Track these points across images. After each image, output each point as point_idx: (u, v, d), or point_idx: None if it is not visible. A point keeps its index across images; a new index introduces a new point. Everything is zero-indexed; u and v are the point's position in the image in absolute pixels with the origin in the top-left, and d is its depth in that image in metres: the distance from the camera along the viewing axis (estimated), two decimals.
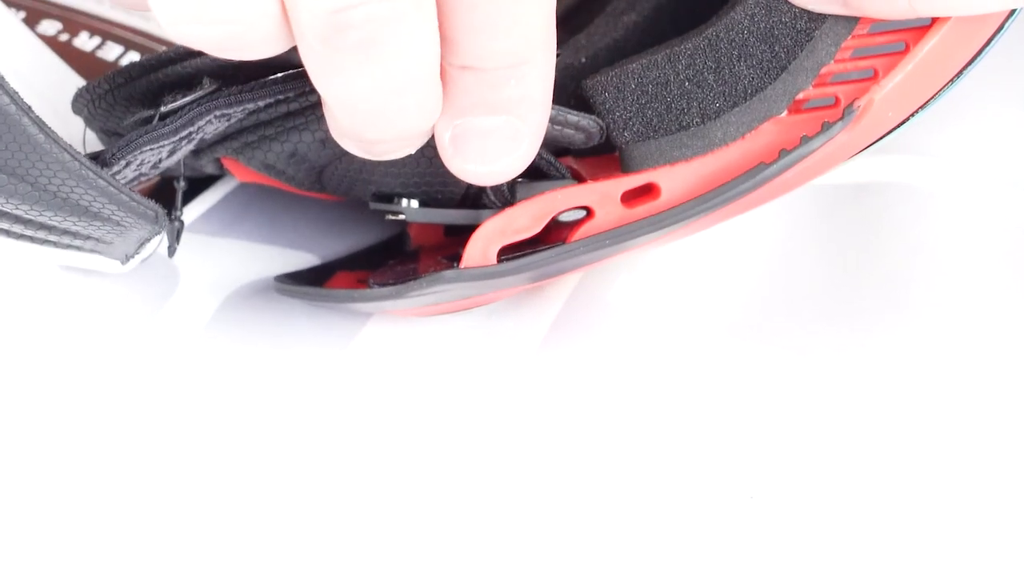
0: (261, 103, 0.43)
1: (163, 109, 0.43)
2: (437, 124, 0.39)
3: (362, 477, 0.44)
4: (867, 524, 0.43)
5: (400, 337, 0.47)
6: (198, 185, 0.51)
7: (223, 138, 0.45)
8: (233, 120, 0.44)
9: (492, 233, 0.42)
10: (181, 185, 0.45)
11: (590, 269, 0.48)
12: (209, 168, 0.47)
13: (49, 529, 0.42)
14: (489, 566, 0.42)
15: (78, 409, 0.45)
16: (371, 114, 0.38)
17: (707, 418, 0.45)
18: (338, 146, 0.41)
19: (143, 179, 0.44)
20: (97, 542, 0.42)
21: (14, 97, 0.39)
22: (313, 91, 0.40)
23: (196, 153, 0.45)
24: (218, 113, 0.42)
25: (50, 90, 0.52)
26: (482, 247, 0.42)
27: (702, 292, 0.48)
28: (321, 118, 0.43)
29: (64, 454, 0.44)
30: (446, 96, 0.38)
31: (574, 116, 0.42)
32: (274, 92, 0.42)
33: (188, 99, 0.42)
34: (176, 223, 0.45)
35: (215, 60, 0.42)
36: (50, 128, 0.40)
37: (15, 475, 0.43)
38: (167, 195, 0.45)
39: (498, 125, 0.39)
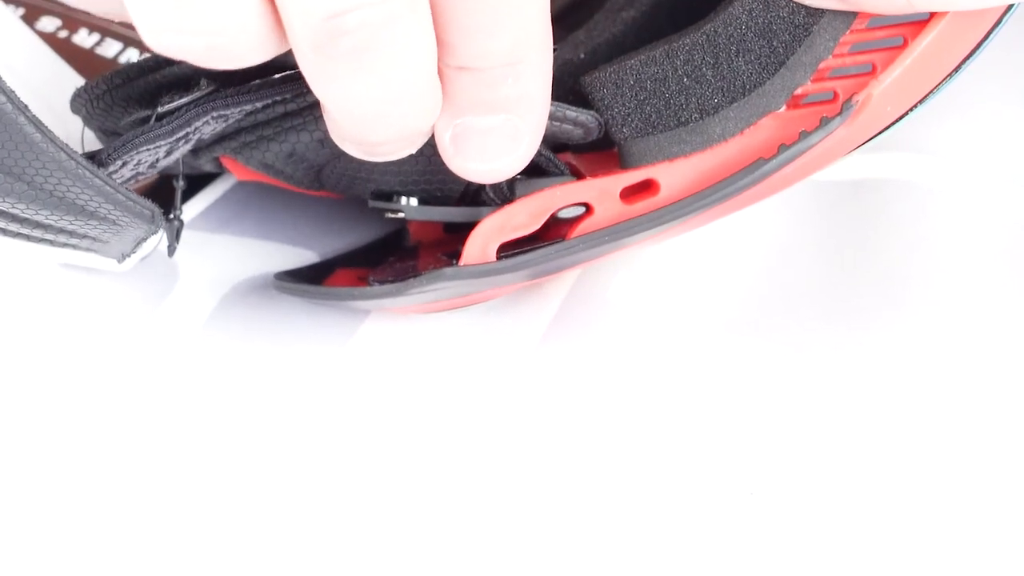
0: (259, 104, 0.43)
1: (160, 110, 0.43)
2: (437, 123, 0.39)
3: (362, 474, 0.44)
4: (866, 520, 0.43)
5: (399, 334, 0.47)
6: (197, 182, 0.51)
7: (221, 138, 0.45)
8: (231, 121, 0.43)
9: (491, 230, 0.42)
10: (180, 184, 0.45)
11: (589, 266, 0.47)
12: (208, 166, 0.47)
13: (47, 526, 0.42)
14: (489, 564, 0.42)
15: (76, 406, 0.45)
16: (370, 118, 0.38)
17: (706, 415, 0.45)
18: (336, 146, 0.41)
19: (140, 178, 0.44)
20: (95, 539, 0.42)
21: (10, 96, 0.39)
22: (311, 92, 0.40)
23: (195, 152, 0.45)
24: (215, 114, 0.42)
25: (48, 87, 0.52)
26: (481, 244, 0.42)
27: (700, 289, 0.48)
28: (319, 118, 0.43)
29: (62, 451, 0.44)
30: (445, 96, 0.38)
31: (572, 112, 0.42)
32: (271, 94, 0.42)
33: (185, 100, 0.42)
34: (176, 222, 0.45)
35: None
36: (47, 127, 0.39)
37: (13, 472, 0.43)
38: (166, 194, 0.45)
39: (497, 124, 0.39)
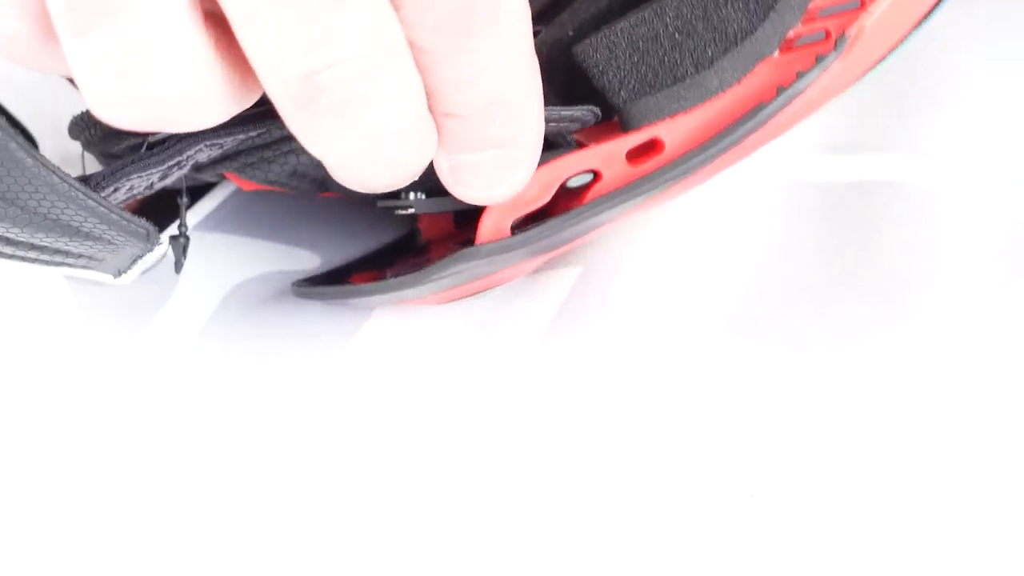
0: (252, 133, 0.42)
1: (151, 139, 0.42)
2: (434, 156, 0.39)
3: (364, 474, 0.44)
4: (867, 522, 0.43)
5: (401, 334, 0.47)
6: (199, 188, 0.51)
7: (222, 159, 0.45)
8: (226, 147, 0.43)
9: (504, 207, 0.42)
10: (184, 201, 0.45)
11: (604, 232, 0.48)
12: (211, 179, 0.47)
13: (49, 529, 0.43)
14: (490, 561, 0.42)
15: (75, 408, 0.45)
16: (361, 165, 0.37)
17: (706, 416, 0.45)
18: None
19: (137, 196, 0.44)
20: (98, 543, 0.43)
21: (1, 125, 0.39)
22: None
23: (196, 169, 0.45)
24: (208, 143, 0.42)
25: (36, 93, 0.51)
26: (495, 222, 0.42)
27: (700, 289, 0.48)
28: None
29: (61, 454, 0.44)
30: (438, 134, 0.38)
31: (567, 111, 0.42)
32: (263, 125, 0.42)
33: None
34: (182, 239, 0.45)
35: None
36: (39, 153, 0.39)
37: (14, 475, 0.44)
38: (170, 205, 0.46)
39: (491, 157, 0.38)
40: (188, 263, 0.48)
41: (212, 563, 0.42)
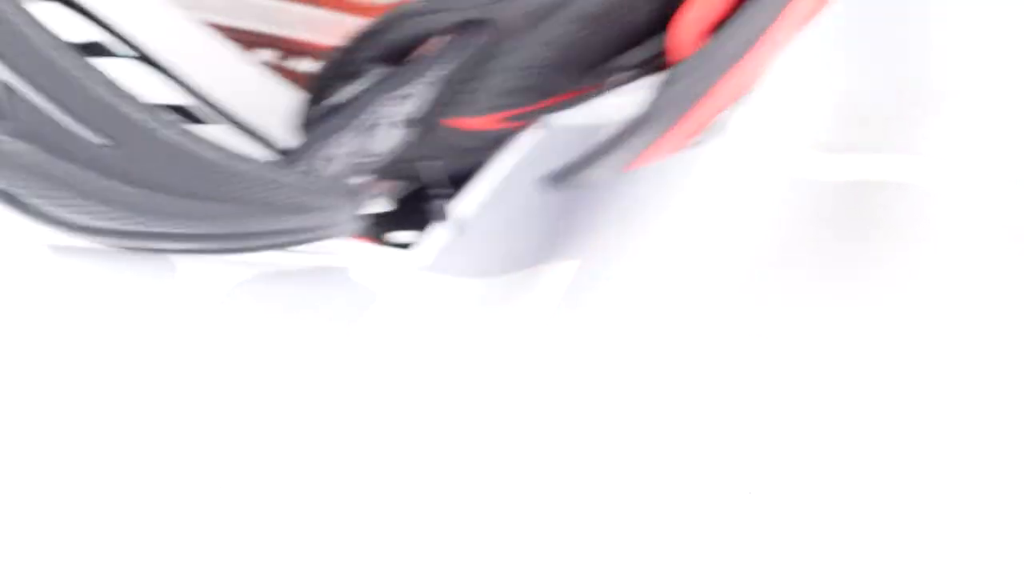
0: (436, 70, 0.43)
1: (329, 103, 0.44)
2: None
3: (365, 470, 0.45)
4: (866, 521, 0.43)
5: (400, 331, 0.48)
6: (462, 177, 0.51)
7: (433, 107, 0.45)
8: (414, 96, 0.44)
9: (693, 21, 0.44)
10: (432, 164, 0.46)
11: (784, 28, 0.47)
12: (451, 138, 0.47)
13: (51, 526, 0.43)
14: (486, 553, 0.43)
15: (75, 403, 0.46)
16: None
17: (704, 413, 0.45)
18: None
19: (351, 163, 0.45)
20: (99, 538, 0.43)
21: (183, 133, 0.41)
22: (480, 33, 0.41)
23: (412, 124, 0.45)
24: (395, 94, 0.43)
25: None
26: (690, 38, 0.44)
27: (698, 288, 0.49)
28: (507, 33, 0.43)
29: (61, 450, 0.45)
30: None
31: None
32: (440, 62, 0.43)
33: (357, 90, 0.44)
34: (436, 203, 0.47)
35: (382, 50, 0.42)
36: (226, 149, 0.42)
37: (15, 469, 0.44)
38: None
39: None
40: (187, 264, 0.49)
41: (220, 561, 0.43)
